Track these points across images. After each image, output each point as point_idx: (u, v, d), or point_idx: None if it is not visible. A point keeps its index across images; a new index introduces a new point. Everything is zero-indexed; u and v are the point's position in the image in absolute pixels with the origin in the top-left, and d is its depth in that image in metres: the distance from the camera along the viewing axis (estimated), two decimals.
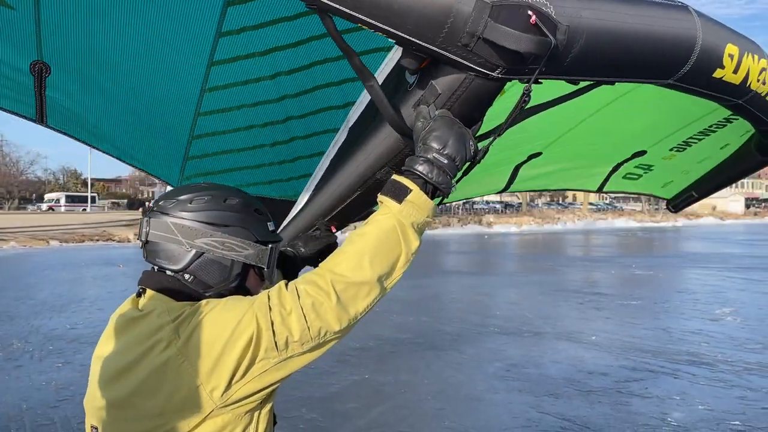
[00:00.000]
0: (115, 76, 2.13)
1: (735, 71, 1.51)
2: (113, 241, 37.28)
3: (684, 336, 10.91)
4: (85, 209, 64.87)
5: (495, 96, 1.38)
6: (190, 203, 1.53)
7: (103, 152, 2.50)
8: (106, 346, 1.50)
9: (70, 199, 68.08)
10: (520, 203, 74.40)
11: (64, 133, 2.33)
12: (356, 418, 6.81)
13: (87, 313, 12.98)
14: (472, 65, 1.24)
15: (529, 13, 1.15)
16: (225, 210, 1.54)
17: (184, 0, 1.83)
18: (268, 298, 1.37)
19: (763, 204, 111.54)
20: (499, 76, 1.27)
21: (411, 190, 1.37)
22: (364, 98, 2.21)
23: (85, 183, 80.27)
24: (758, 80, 1.58)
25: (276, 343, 1.34)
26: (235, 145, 2.54)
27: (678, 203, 2.81)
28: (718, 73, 1.49)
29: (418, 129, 1.41)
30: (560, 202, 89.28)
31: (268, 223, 1.63)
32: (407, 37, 1.18)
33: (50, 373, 8.52)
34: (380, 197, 1.42)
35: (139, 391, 1.37)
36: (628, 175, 2.81)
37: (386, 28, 1.16)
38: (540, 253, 30.01)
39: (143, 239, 1.55)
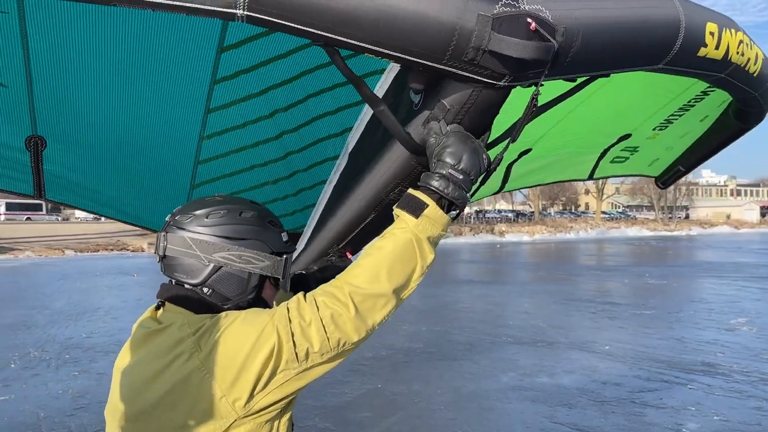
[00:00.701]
0: (111, 141, 2.12)
1: (717, 47, 1.56)
2: (127, 250, 37.57)
3: (699, 346, 10.83)
4: (30, 218, 56.28)
5: (502, 103, 1.41)
6: (207, 218, 1.55)
7: (106, 216, 2.53)
8: (127, 357, 1.53)
9: (11, 207, 56.82)
10: (533, 212, 74.17)
11: (66, 204, 2.36)
12: (369, 427, 6.83)
13: (102, 322, 13.10)
14: (479, 78, 1.27)
15: (529, 20, 1.19)
16: (241, 223, 1.56)
17: (177, 56, 1.84)
18: (288, 311, 1.40)
19: None
20: (506, 84, 1.30)
21: (427, 205, 1.40)
22: (361, 122, 2.24)
23: None
24: (737, 52, 1.65)
25: (296, 354, 1.38)
26: (237, 186, 2.55)
27: (666, 179, 2.87)
28: (702, 52, 1.54)
29: (431, 145, 1.44)
30: (573, 210, 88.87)
31: (282, 234, 1.66)
32: (414, 59, 1.22)
33: (67, 381, 8.62)
34: (396, 210, 1.46)
35: (162, 402, 1.39)
36: (615, 159, 2.86)
37: (393, 54, 1.20)
38: (553, 262, 29.89)
39: (161, 254, 1.56)
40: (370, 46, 1.17)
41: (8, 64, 1.68)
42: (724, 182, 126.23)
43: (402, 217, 1.43)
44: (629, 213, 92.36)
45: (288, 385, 1.41)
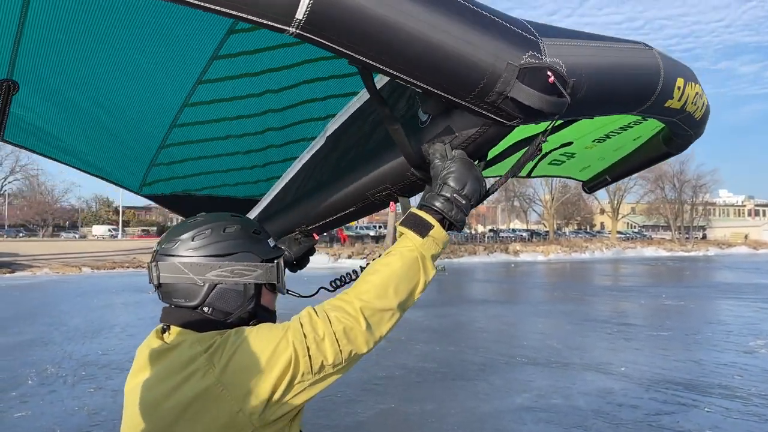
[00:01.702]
0: (90, 95, 2.13)
1: (679, 99, 1.75)
2: (143, 267, 37.81)
3: (716, 368, 10.68)
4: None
5: (505, 137, 1.51)
6: (193, 240, 1.58)
7: (62, 163, 2.49)
8: (138, 377, 1.54)
9: None
10: (547, 232, 73.77)
11: (22, 147, 2.32)
12: None
13: (118, 339, 13.20)
14: (493, 117, 1.36)
15: (549, 73, 1.29)
16: (227, 239, 1.60)
17: (185, 29, 1.88)
18: (302, 326, 1.45)
19: None
20: (515, 124, 1.40)
21: (433, 226, 1.50)
22: (346, 111, 2.32)
23: (116, 211, 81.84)
24: (692, 103, 1.83)
25: (312, 366, 1.43)
26: (207, 152, 2.58)
27: (593, 185, 3.08)
28: (668, 103, 1.72)
29: (436, 166, 1.53)
30: (588, 230, 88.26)
31: (269, 241, 1.70)
32: (441, 93, 1.30)
33: (83, 398, 8.69)
34: (401, 228, 1.54)
35: (179, 420, 1.42)
36: (553, 162, 3.05)
37: (423, 85, 1.27)
38: (568, 282, 29.67)
39: (155, 283, 1.59)
40: (404, 76, 1.25)
41: (5, 5, 1.67)
42: (742, 202, 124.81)
43: (407, 235, 1.51)
44: (645, 233, 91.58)
45: (301, 396, 1.46)
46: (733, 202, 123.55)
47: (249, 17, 1.11)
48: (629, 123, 2.47)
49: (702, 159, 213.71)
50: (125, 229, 79.13)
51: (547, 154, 2.92)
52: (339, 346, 1.43)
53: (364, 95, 2.23)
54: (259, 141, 2.52)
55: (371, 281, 1.48)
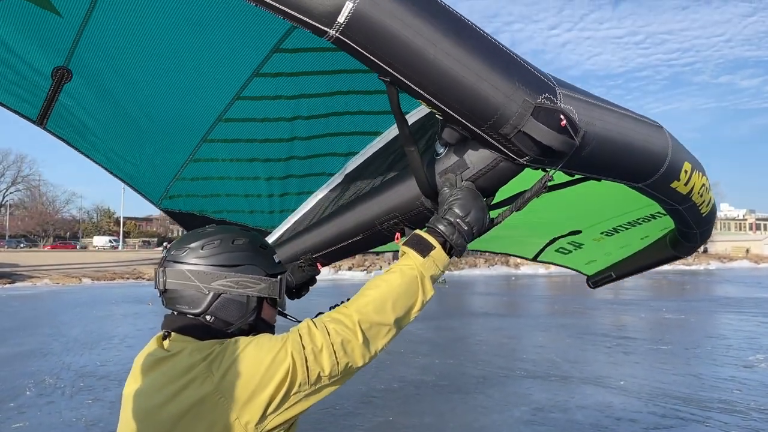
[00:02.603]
0: (135, 96, 2.19)
1: (685, 184, 1.82)
2: (143, 278, 37.83)
3: (716, 383, 10.65)
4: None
5: (513, 177, 1.58)
6: (202, 249, 1.62)
7: (94, 161, 2.53)
8: (136, 384, 1.56)
9: None
10: None
11: (61, 138, 2.36)
12: None
13: (117, 351, 13.19)
14: (505, 151, 1.44)
15: (562, 116, 1.36)
16: (235, 251, 1.64)
17: (233, 42, 1.94)
18: (300, 337, 1.48)
19: None
20: (524, 163, 1.47)
21: (434, 247, 1.54)
22: (367, 151, 2.39)
23: (117, 221, 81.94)
24: (698, 193, 1.91)
25: (309, 377, 1.46)
26: (230, 173, 2.63)
27: (597, 280, 3.09)
28: (674, 184, 1.79)
29: (444, 194, 1.60)
30: None
31: (274, 256, 1.75)
32: (458, 118, 1.36)
33: (81, 409, 8.68)
34: (404, 248, 1.58)
35: (176, 426, 1.45)
36: (560, 249, 3.09)
37: (443, 107, 1.34)
38: (568, 296, 29.61)
39: (161, 288, 1.63)
40: (427, 95, 1.31)
41: None
42: (743, 216, 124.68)
43: (409, 254, 1.56)
44: None
45: (297, 406, 1.49)
46: (734, 216, 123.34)
47: (294, 14, 1.18)
48: (638, 219, 2.52)
49: None
50: (126, 239, 79.15)
51: (555, 240, 2.98)
52: (336, 358, 1.46)
53: (386, 136, 2.30)
54: (282, 168, 2.57)
55: (370, 295, 1.51)
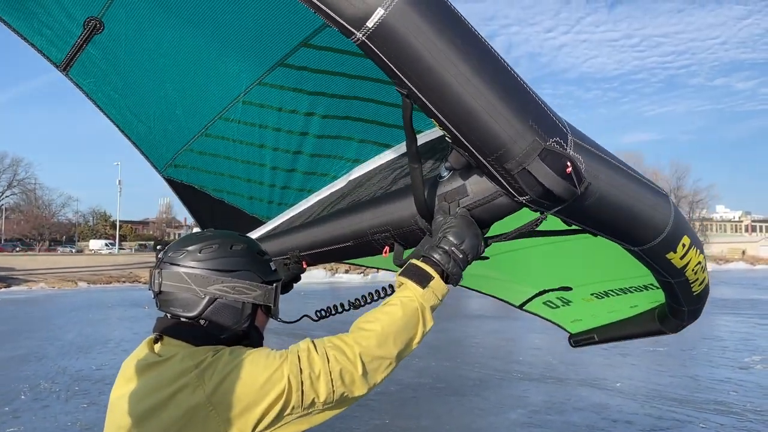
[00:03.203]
0: (162, 59, 2.21)
1: (681, 258, 1.81)
2: (139, 282, 37.75)
3: (712, 384, 10.68)
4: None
5: (510, 213, 1.58)
6: (200, 252, 1.60)
7: (106, 115, 2.55)
8: (124, 389, 1.53)
9: None
10: None
11: (79, 87, 2.38)
12: None
13: (112, 354, 13.15)
14: (507, 185, 1.44)
15: (568, 163, 1.37)
16: (232, 256, 1.63)
17: (267, 23, 1.95)
18: (299, 360, 1.45)
19: None
20: (524, 201, 1.48)
21: (434, 278, 1.54)
22: (374, 161, 2.40)
23: (113, 225, 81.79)
24: (692, 270, 1.90)
25: (302, 401, 1.44)
26: (238, 154, 2.64)
27: (579, 340, 3.07)
28: (670, 255, 1.77)
29: (438, 222, 1.61)
30: None
31: (270, 264, 1.73)
32: (466, 144, 1.37)
33: (76, 413, 8.64)
34: (400, 278, 1.58)
35: None
36: (548, 303, 3.06)
37: (454, 131, 1.35)
38: None
39: (156, 290, 1.60)
40: (439, 115, 1.32)
41: None
42: (739, 218, 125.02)
43: (407, 285, 1.55)
44: None
45: (287, 428, 1.46)
46: (730, 218, 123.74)
47: (326, 10, 1.20)
48: (630, 287, 2.52)
49: (699, 174, 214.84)
50: (122, 243, 79.01)
51: (545, 292, 2.97)
52: (333, 386, 1.44)
53: (395, 150, 2.31)
54: (288, 161, 2.58)
55: (373, 329, 1.49)
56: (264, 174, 2.69)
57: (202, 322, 1.59)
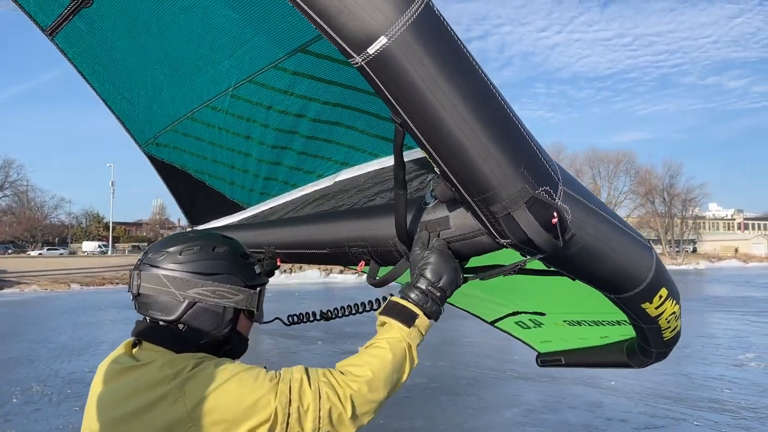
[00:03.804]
0: (154, 39, 2.16)
1: (656, 308, 1.82)
2: None
3: (706, 382, 10.70)
4: None
5: (490, 252, 1.57)
6: (180, 255, 1.56)
7: (91, 86, 2.51)
8: (102, 391, 1.50)
9: None
10: None
11: (65, 55, 2.34)
12: None
13: (105, 357, 13.05)
14: (490, 227, 1.42)
15: (554, 214, 1.36)
16: (214, 259, 1.59)
17: (267, 23, 1.90)
18: (290, 390, 1.41)
19: None
20: (505, 244, 1.46)
21: (418, 316, 1.53)
22: (360, 168, 2.37)
23: (107, 226, 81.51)
24: (666, 319, 1.91)
25: None
26: (223, 142, 2.59)
27: (546, 360, 3.09)
28: (645, 305, 1.79)
29: (416, 255, 1.60)
30: None
31: (255, 267, 1.69)
32: (454, 180, 1.34)
33: (68, 416, 8.58)
34: (384, 318, 1.56)
35: None
36: (520, 323, 3.08)
37: (442, 165, 1.32)
38: None
39: (134, 292, 1.56)
40: (430, 149, 1.30)
41: None
42: (731, 216, 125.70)
43: (392, 325, 1.53)
44: None
45: None
46: (722, 216, 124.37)
47: (328, 30, 1.17)
48: (604, 320, 2.55)
49: (691, 173, 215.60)
50: (115, 245, 78.70)
51: (518, 313, 2.99)
52: (320, 423, 1.41)
53: (384, 162, 2.28)
54: (274, 155, 2.55)
55: (363, 374, 1.46)
56: (249, 163, 2.66)
57: (181, 326, 1.55)
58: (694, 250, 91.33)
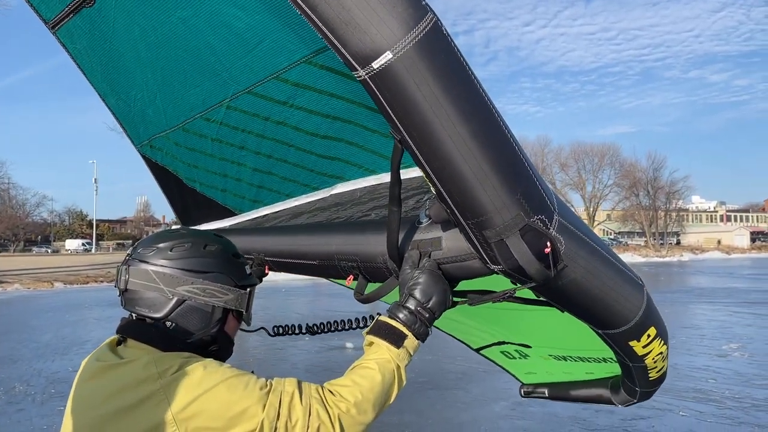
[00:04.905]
0: (151, 48, 2.13)
1: (644, 347, 1.81)
2: None
3: (690, 372, 10.80)
4: None
5: (481, 276, 1.55)
6: (171, 251, 1.53)
7: (90, 81, 2.48)
8: (85, 389, 1.47)
9: None
10: None
11: (66, 49, 2.31)
12: None
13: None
14: (482, 251, 1.41)
15: (548, 243, 1.35)
16: (205, 257, 1.55)
17: (271, 33, 1.85)
18: (279, 403, 1.37)
19: None
20: (496, 270, 1.45)
21: (407, 336, 1.51)
22: (355, 184, 2.36)
23: (90, 224, 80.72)
24: (653, 359, 1.90)
25: None
26: (216, 152, 2.56)
27: (529, 391, 3.07)
28: (632, 343, 1.78)
29: (405, 275, 1.58)
30: None
31: (245, 267, 1.66)
32: (449, 202, 1.33)
33: (52, 416, 8.47)
34: (372, 338, 1.53)
35: None
36: (505, 352, 3.07)
37: (440, 187, 1.31)
38: None
39: (122, 287, 1.54)
40: (428, 168, 1.29)
41: None
42: (714, 208, 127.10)
43: (381, 345, 1.51)
44: (621, 239, 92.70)
45: None
46: (705, 208, 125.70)
47: (335, 41, 1.17)
48: (590, 357, 2.54)
49: (675, 166, 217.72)
50: (99, 242, 78.00)
51: (504, 343, 2.98)
52: None
53: (380, 178, 2.27)
54: (268, 165, 2.52)
55: (354, 395, 1.44)
56: (241, 172, 2.62)
57: (168, 324, 1.51)
58: (678, 243, 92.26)
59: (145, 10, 1.96)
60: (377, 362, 1.48)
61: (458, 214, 1.35)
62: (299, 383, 1.44)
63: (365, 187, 2.32)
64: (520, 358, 3.00)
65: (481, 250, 1.41)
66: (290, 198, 2.64)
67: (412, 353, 1.53)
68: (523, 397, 3.10)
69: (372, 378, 1.46)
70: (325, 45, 1.79)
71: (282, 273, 2.42)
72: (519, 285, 1.49)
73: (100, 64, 2.35)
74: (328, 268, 2.03)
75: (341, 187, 2.42)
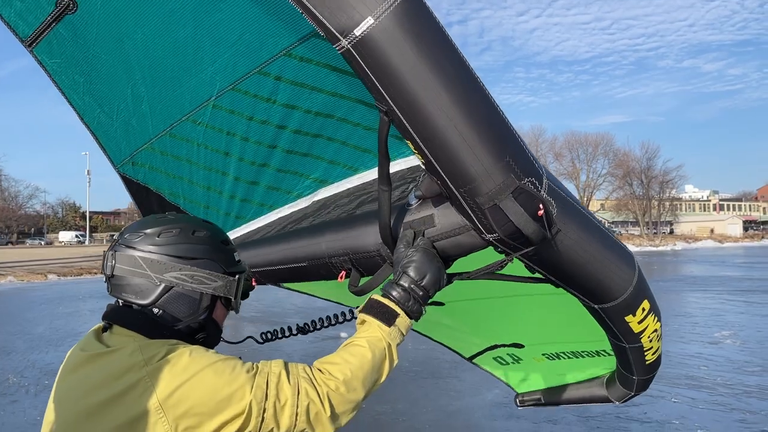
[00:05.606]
0: (138, 48, 2.08)
1: (639, 322, 1.80)
2: None
3: (683, 359, 10.86)
4: None
5: (476, 251, 1.54)
6: (159, 237, 1.51)
7: (68, 100, 2.42)
8: (71, 378, 1.45)
9: None
10: None
11: (43, 67, 2.25)
12: None
13: None
14: (476, 220, 1.40)
15: (540, 205, 1.34)
16: (194, 243, 1.53)
17: (249, 27, 1.83)
18: (267, 385, 1.36)
19: (762, 226, 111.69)
20: (491, 240, 1.43)
21: (399, 315, 1.50)
22: (340, 185, 2.33)
23: (83, 216, 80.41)
24: (648, 338, 1.88)
25: (260, 428, 1.36)
26: (201, 160, 2.52)
27: (525, 400, 3.05)
28: (628, 318, 1.77)
29: (399, 253, 1.56)
30: None
31: (234, 253, 1.64)
32: (440, 171, 1.32)
33: (45, 408, 8.43)
34: (364, 316, 1.51)
35: None
36: (498, 358, 3.03)
37: (428, 156, 1.30)
38: None
39: (108, 273, 1.51)
40: (416, 137, 1.28)
41: None
42: (707, 197, 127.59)
43: (372, 324, 1.49)
44: (615, 229, 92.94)
45: None
46: (698, 197, 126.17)
47: (315, 13, 1.16)
48: (583, 351, 2.51)
49: (668, 155, 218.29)
50: (93, 234, 77.76)
51: (496, 347, 2.95)
52: (296, 420, 1.37)
53: (363, 177, 2.25)
54: (252, 172, 2.48)
55: (343, 373, 1.42)
56: (225, 183, 2.58)
57: (155, 311, 1.49)
58: (671, 232, 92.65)
59: (131, 7, 1.93)
60: (368, 340, 1.47)
61: (450, 183, 1.34)
62: (286, 364, 1.42)
63: (348, 189, 2.30)
64: (513, 363, 2.97)
65: (475, 219, 1.40)
66: (273, 209, 2.60)
67: (404, 332, 1.51)
68: (518, 406, 3.09)
69: (362, 356, 1.45)
70: (304, 34, 1.74)
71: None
72: (514, 254, 1.47)
73: (83, 75, 2.29)
74: (318, 267, 2.01)
75: (323, 192, 2.40)
